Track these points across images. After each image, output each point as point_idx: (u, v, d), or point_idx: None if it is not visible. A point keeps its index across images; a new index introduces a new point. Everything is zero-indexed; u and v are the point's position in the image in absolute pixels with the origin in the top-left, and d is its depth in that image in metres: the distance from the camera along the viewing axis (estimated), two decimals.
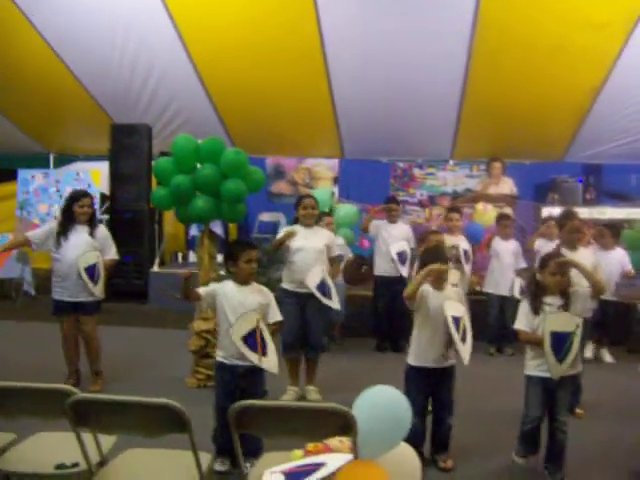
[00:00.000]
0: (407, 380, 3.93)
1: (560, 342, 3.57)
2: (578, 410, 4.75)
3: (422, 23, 7.59)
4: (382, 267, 6.78)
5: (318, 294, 4.97)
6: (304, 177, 10.32)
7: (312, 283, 4.96)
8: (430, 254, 4.03)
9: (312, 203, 5.16)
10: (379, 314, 6.83)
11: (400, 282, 6.45)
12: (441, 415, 3.93)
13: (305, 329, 5.06)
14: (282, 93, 8.75)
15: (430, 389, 3.91)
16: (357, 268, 6.87)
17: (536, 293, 3.74)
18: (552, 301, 3.69)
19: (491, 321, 6.76)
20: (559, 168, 9.20)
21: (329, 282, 5.10)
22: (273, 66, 8.35)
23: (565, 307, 3.67)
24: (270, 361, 3.67)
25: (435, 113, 8.87)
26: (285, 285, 5.12)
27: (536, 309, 3.69)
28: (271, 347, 3.71)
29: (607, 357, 6.48)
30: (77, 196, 5.20)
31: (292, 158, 10.34)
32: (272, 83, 8.58)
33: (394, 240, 6.70)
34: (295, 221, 5.22)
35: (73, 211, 5.13)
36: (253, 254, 3.77)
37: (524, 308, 3.76)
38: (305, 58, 8.26)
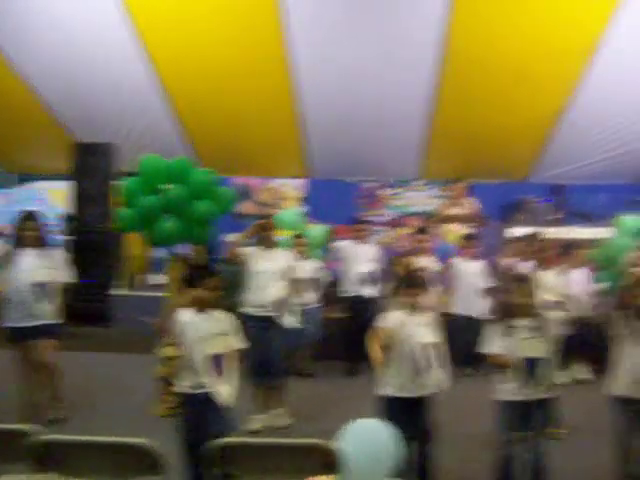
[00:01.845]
0: (380, 411, 3.78)
1: (532, 366, 3.56)
2: (558, 430, 4.71)
3: (389, 47, 7.63)
4: (351, 288, 6.69)
5: (274, 308, 4.88)
6: (270, 197, 10.21)
7: (270, 296, 4.89)
8: (407, 278, 3.96)
9: (271, 225, 5.08)
10: (351, 336, 6.70)
11: (372, 303, 6.37)
12: (424, 445, 3.81)
13: (266, 354, 4.92)
14: (248, 113, 8.66)
15: (406, 419, 3.78)
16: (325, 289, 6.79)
17: (505, 315, 3.70)
18: (521, 323, 3.64)
19: (458, 342, 6.69)
20: (525, 188, 9.27)
21: (290, 299, 5.04)
22: (239, 85, 8.27)
23: (535, 329, 3.63)
24: (225, 390, 3.50)
25: (401, 134, 8.90)
26: (245, 309, 5.00)
27: (505, 331, 3.64)
28: (232, 379, 3.55)
29: (583, 375, 6.48)
30: (19, 220, 5.00)
31: (258, 178, 10.23)
32: (238, 102, 8.50)
33: (362, 260, 6.63)
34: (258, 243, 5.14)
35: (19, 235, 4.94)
36: (213, 282, 3.61)
37: (493, 330, 3.70)
38: (271, 78, 8.20)
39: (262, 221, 5.14)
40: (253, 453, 2.40)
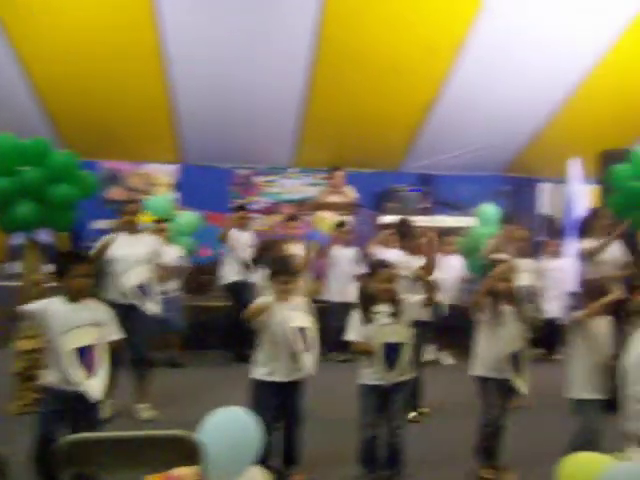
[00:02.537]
0: (253, 395, 3.78)
1: (391, 351, 3.66)
2: (422, 410, 4.90)
3: (263, 31, 7.52)
4: (234, 273, 6.61)
5: (136, 294, 4.74)
6: (141, 183, 9.84)
7: (131, 282, 4.74)
8: (278, 264, 3.94)
9: (133, 209, 4.93)
10: (231, 323, 6.60)
11: (253, 290, 6.36)
12: (291, 429, 3.82)
13: (127, 342, 4.74)
14: (117, 95, 8.24)
15: (278, 403, 3.79)
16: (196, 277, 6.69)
17: (366, 302, 3.78)
18: (382, 309, 3.73)
19: (330, 328, 6.77)
20: (397, 178, 9.51)
21: (152, 285, 4.90)
22: (107, 65, 7.85)
23: (395, 315, 3.73)
24: (94, 385, 3.31)
25: (276, 121, 8.83)
26: (108, 295, 4.79)
27: (366, 318, 3.71)
28: (102, 372, 3.36)
29: (447, 359, 6.75)
30: None
31: (128, 163, 9.83)
32: (106, 82, 8.06)
33: (243, 247, 6.61)
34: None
35: None
36: (84, 268, 3.41)
37: (355, 318, 3.78)
38: (142, 61, 7.84)
39: (126, 206, 4.95)
40: (110, 447, 2.26)
